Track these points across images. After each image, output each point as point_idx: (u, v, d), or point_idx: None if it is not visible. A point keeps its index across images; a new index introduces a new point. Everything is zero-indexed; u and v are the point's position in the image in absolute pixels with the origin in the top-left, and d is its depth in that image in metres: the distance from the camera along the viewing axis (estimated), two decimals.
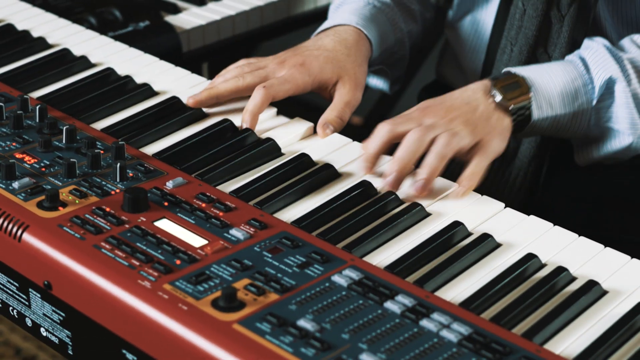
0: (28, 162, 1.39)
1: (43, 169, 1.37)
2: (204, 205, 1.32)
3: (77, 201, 1.31)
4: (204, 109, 1.56)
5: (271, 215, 1.31)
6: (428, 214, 1.36)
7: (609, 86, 1.51)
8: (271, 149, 1.47)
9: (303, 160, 1.44)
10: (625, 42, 1.56)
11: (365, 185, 1.38)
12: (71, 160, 1.36)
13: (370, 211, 1.34)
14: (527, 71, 1.51)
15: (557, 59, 1.61)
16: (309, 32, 2.03)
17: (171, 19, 1.99)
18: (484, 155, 1.43)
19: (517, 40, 1.63)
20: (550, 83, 1.49)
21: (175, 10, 2.02)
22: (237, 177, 1.41)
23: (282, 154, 1.47)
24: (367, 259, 1.26)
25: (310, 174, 1.41)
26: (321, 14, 2.15)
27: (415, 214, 1.34)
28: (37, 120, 1.48)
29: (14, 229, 1.27)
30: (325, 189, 1.39)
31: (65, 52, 1.71)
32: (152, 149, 1.47)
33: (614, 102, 1.51)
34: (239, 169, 1.43)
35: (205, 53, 1.98)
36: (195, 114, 1.55)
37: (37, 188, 1.33)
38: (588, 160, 1.58)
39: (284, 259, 1.22)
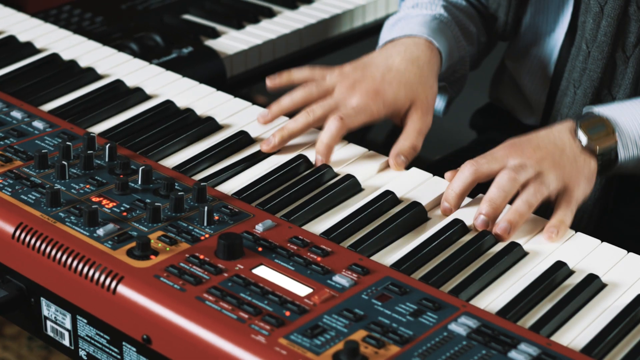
0: (107, 206, 1.34)
1: (124, 214, 1.32)
2: (299, 249, 1.27)
3: (167, 248, 1.26)
4: None
5: (370, 259, 1.27)
6: (526, 253, 1.32)
7: None
8: (352, 186, 1.42)
9: (388, 198, 1.39)
10: None
11: (458, 224, 1.34)
12: (156, 204, 1.31)
13: (468, 252, 1.30)
14: (609, 111, 1.47)
15: (620, 100, 1.58)
16: (347, 54, 2.00)
17: (211, 43, 1.93)
18: (571, 203, 1.39)
19: (580, 83, 1.60)
20: (635, 122, 1.46)
21: (215, 34, 1.96)
22: (322, 217, 1.37)
23: (362, 190, 1.43)
24: (474, 302, 1.22)
25: (399, 213, 1.36)
26: (357, 35, 2.11)
27: (515, 253, 1.30)
28: (107, 160, 1.43)
29: (107, 281, 1.21)
30: (418, 230, 1.35)
31: (119, 84, 1.65)
32: (228, 186, 1.42)
33: None
34: (323, 208, 1.38)
35: (248, 78, 1.93)
36: None
37: (123, 235, 1.27)
38: None
39: (395, 307, 1.18)
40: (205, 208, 1.30)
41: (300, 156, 1.48)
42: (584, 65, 1.59)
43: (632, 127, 1.46)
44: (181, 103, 1.61)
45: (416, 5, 1.74)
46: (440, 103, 1.77)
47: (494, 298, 1.24)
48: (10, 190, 1.35)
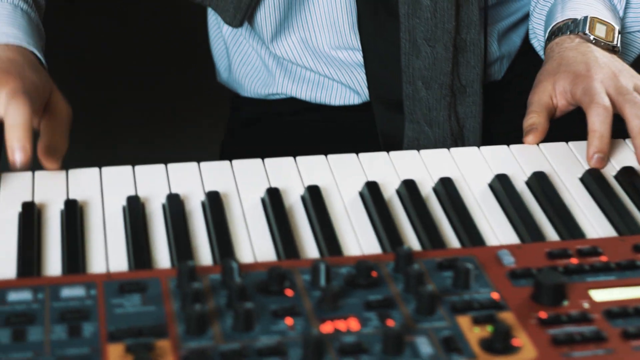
0: (353, 329, 0.96)
1: (391, 323, 0.96)
2: (580, 260, 1.07)
3: (488, 328, 0.97)
4: None
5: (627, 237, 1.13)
6: None
7: None
8: None
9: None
10: None
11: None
12: (428, 290, 0.98)
13: None
14: (584, 11, 1.43)
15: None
16: None
17: None
18: None
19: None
20: (598, 12, 1.43)
21: None
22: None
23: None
24: None
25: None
26: None
27: None
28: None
29: None
30: None
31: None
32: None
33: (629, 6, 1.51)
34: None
35: None
36: None
37: (452, 344, 0.94)
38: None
39: None
40: (468, 265, 1.02)
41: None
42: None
43: (604, 16, 1.43)
44: None
45: None
46: None
47: None
48: None
